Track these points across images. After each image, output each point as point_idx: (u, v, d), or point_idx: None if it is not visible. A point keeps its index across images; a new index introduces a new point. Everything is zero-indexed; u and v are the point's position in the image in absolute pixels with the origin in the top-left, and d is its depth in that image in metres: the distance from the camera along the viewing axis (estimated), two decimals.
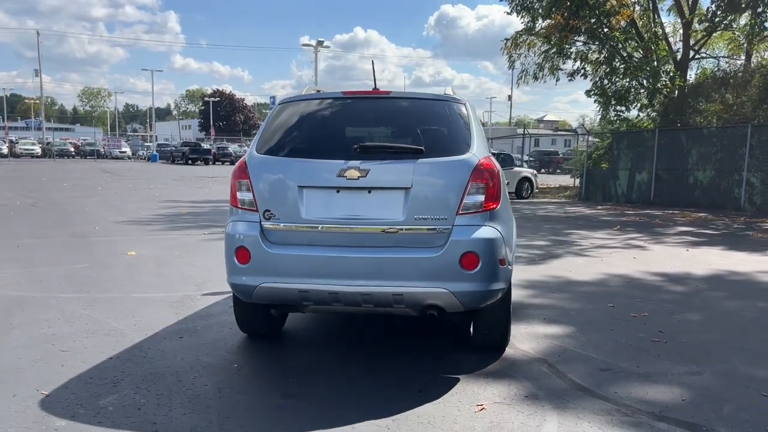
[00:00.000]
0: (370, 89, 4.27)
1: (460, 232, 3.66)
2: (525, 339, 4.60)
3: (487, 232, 3.71)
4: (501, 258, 3.78)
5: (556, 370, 3.98)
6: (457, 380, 3.77)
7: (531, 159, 46.29)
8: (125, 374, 3.78)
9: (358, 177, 3.68)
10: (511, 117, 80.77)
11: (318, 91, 4.41)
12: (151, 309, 5.30)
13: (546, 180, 29.42)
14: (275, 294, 3.80)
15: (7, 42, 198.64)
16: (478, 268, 3.66)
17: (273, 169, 3.87)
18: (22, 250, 8.20)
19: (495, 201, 3.79)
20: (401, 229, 3.69)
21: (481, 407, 3.39)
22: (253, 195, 3.86)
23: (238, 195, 3.92)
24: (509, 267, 3.96)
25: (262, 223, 3.83)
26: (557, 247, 9.38)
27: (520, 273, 7.02)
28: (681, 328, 4.99)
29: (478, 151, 3.83)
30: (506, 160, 6.50)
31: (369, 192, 3.74)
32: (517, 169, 21.58)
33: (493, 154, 6.28)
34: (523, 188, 21.17)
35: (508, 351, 4.32)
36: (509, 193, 19.33)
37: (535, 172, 22.96)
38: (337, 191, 3.76)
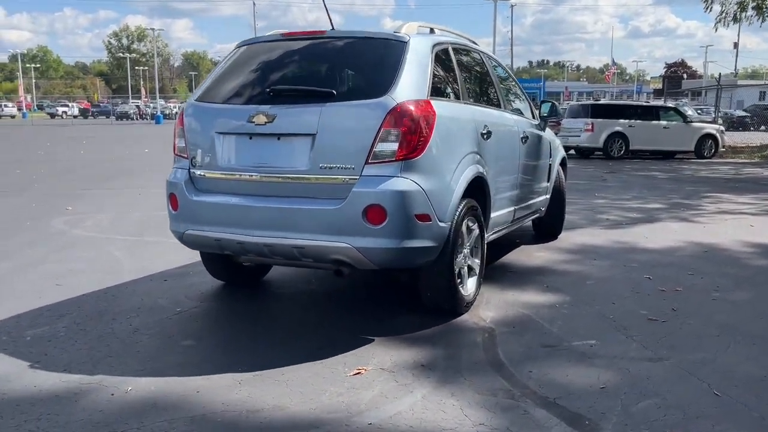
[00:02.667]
0: (317, 29, 4.03)
1: (366, 183, 3.37)
2: (496, 306, 4.15)
3: (398, 183, 3.37)
4: (419, 213, 3.42)
5: (492, 342, 3.54)
6: (370, 341, 3.52)
7: (747, 114, 40.94)
8: (79, 310, 4.06)
9: (265, 122, 3.53)
10: (736, 67, 71.72)
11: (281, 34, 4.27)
12: (174, 253, 5.53)
13: (759, 138, 25.85)
14: (198, 241, 3.82)
15: None
16: (385, 223, 3.34)
17: (199, 116, 3.85)
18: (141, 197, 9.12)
19: (416, 150, 3.42)
20: (305, 179, 3.49)
21: (359, 371, 3.13)
22: (185, 142, 3.88)
23: (176, 142, 3.97)
24: (440, 224, 3.57)
25: (191, 170, 3.85)
26: (666, 211, 8.26)
27: (583, 236, 6.35)
28: (704, 308, 4.15)
29: (401, 94, 3.46)
30: (552, 109, 5.78)
31: (278, 139, 3.57)
32: (696, 124, 19.25)
33: (543, 102, 5.70)
34: (704, 146, 18.84)
35: (464, 317, 3.93)
36: (685, 151, 17.15)
37: (721, 128, 20.24)
38: (250, 138, 3.64)
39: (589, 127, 17.86)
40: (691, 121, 19.07)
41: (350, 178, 3.40)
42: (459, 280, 3.91)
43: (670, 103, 22.00)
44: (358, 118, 3.43)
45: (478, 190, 4.16)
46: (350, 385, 2.99)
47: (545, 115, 5.82)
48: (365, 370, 3.15)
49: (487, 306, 4.15)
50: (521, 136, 5.04)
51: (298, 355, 3.32)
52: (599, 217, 7.79)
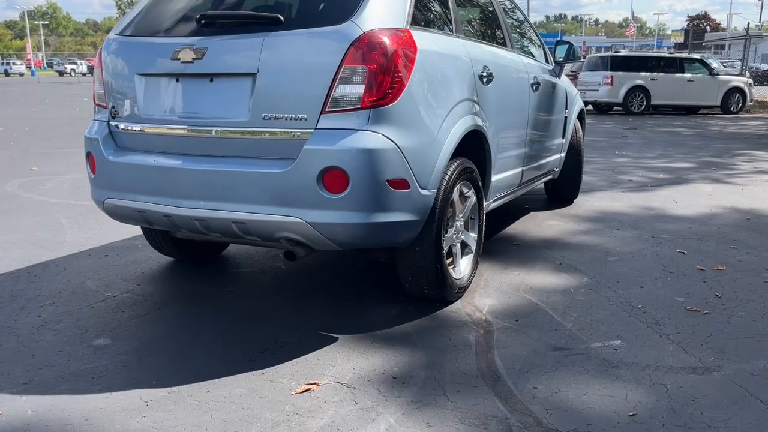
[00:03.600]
0: None
1: (322, 139, 2.55)
2: (496, 290, 3.36)
3: (365, 139, 2.55)
4: (393, 178, 2.61)
5: (488, 342, 2.76)
6: (332, 341, 2.76)
7: None
8: None
9: (194, 59, 2.71)
10: (760, 20, 69.15)
11: None
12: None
13: None
14: (120, 213, 3.05)
15: None
16: (347, 191, 2.54)
17: (120, 54, 3.02)
18: None
19: (389, 95, 2.59)
20: (244, 133, 2.68)
21: (309, 387, 2.37)
22: (104, 87, 3.08)
23: (95, 88, 3.16)
24: (423, 191, 2.75)
25: (110, 123, 3.05)
26: (696, 171, 7.37)
27: (602, 201, 5.50)
28: (756, 294, 3.34)
29: (370, 20, 2.61)
30: (569, 52, 4.87)
31: (211, 81, 2.75)
32: (723, 77, 18.06)
33: (558, 43, 4.79)
34: (731, 101, 17.71)
35: (455, 306, 3.15)
36: (710, 106, 16.13)
37: (749, 81, 19.02)
38: (176, 80, 2.82)
39: (608, 80, 16.78)
40: (717, 74, 17.89)
41: (302, 132, 2.58)
42: (449, 261, 3.13)
43: (695, 55, 20.70)
44: (312, 51, 2.60)
45: (474, 148, 3.34)
46: (293, 408, 2.24)
47: (561, 59, 4.93)
48: (318, 384, 2.39)
49: (486, 291, 3.36)
50: (531, 82, 4.17)
51: (237, 362, 2.57)
52: (621, 178, 6.92)
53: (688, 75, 17.19)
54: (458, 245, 3.23)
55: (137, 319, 3.01)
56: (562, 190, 5.43)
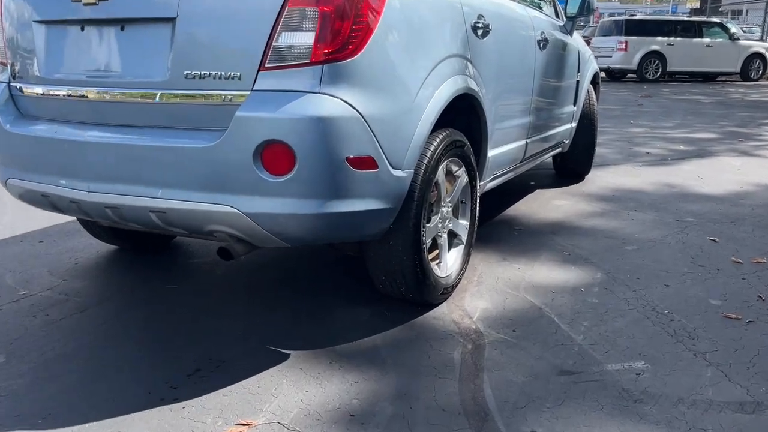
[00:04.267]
0: None
1: (259, 103, 1.96)
2: (491, 289, 2.78)
3: (317, 104, 1.95)
4: (355, 156, 2.02)
5: (476, 363, 2.20)
6: (281, 360, 2.20)
7: None
8: None
9: (99, 0, 2.09)
10: None
11: None
12: None
13: None
14: (26, 196, 2.48)
15: None
16: (294, 172, 1.94)
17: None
18: None
19: (349, 46, 1.98)
20: (163, 97, 2.07)
21: (242, 427, 1.81)
22: (4, 39, 2.47)
23: None
24: (395, 172, 2.16)
25: (11, 84, 2.45)
26: (720, 143, 6.71)
27: (617, 177, 4.89)
28: None
29: None
30: (583, 5, 4.19)
31: (122, 29, 2.14)
32: (743, 42, 17.19)
33: None
34: (752, 67, 16.88)
35: (440, 310, 2.59)
36: (729, 72, 15.32)
37: None
38: (81, 28, 2.21)
39: (623, 45, 15.97)
40: (738, 39, 16.99)
41: (234, 96, 1.99)
42: (433, 256, 2.56)
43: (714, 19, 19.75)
44: None
45: (466, 117, 2.73)
46: None
47: (574, 13, 4.26)
48: (250, 426, 1.83)
49: (478, 290, 2.77)
50: (538, 39, 3.52)
51: (156, 391, 2.02)
52: (637, 150, 6.28)
53: (706, 40, 16.34)
54: (444, 236, 2.64)
55: (48, 327, 2.45)
56: (572, 164, 4.81)
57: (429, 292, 2.49)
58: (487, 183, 3.12)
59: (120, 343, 2.33)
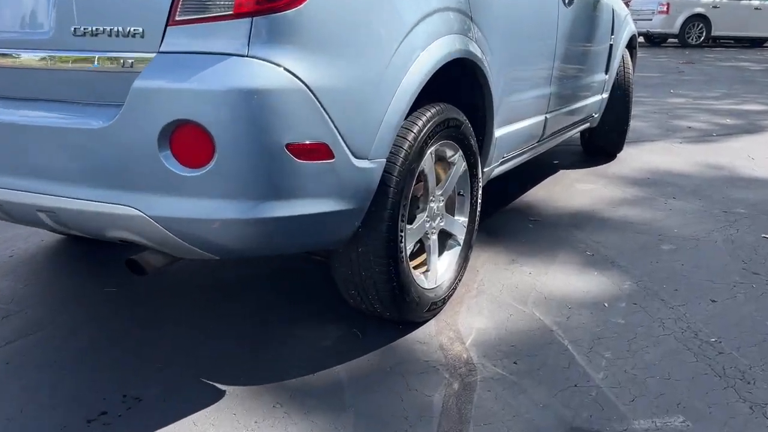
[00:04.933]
0: None
1: (165, 71, 1.45)
2: (492, 301, 2.27)
3: (244, 72, 1.44)
4: (299, 142, 1.50)
5: (461, 410, 1.71)
6: (216, 397, 1.72)
7: None
8: None
9: None
10: None
11: None
12: None
13: None
14: None
15: None
16: (213, 163, 1.43)
17: None
18: None
19: None
20: (46, 59, 1.57)
21: None
22: None
23: None
24: (358, 162, 1.63)
25: None
26: None
27: (654, 155, 4.30)
28: None
29: None
30: None
31: None
32: None
33: None
34: None
35: (427, 329, 2.09)
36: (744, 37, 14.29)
37: None
38: None
39: (664, 8, 14.96)
40: None
41: (136, 58, 1.47)
42: (417, 263, 2.07)
43: None
44: None
45: (466, 88, 2.19)
46: None
47: None
48: None
49: (477, 302, 2.25)
50: None
51: None
52: (677, 123, 5.62)
53: (755, 2, 15.23)
54: (434, 237, 2.12)
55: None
56: (602, 141, 4.21)
57: (409, 310, 1.98)
58: (494, 168, 2.57)
59: (19, 369, 1.87)
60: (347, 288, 1.97)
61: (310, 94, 1.50)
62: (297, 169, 1.52)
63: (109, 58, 1.51)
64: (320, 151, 1.56)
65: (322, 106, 1.53)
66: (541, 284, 2.40)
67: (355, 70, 1.61)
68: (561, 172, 4.01)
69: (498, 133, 2.45)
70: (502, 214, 3.17)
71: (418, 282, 2.01)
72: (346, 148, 1.61)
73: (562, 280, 2.43)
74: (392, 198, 1.79)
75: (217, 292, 2.38)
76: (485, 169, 2.46)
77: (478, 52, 2.12)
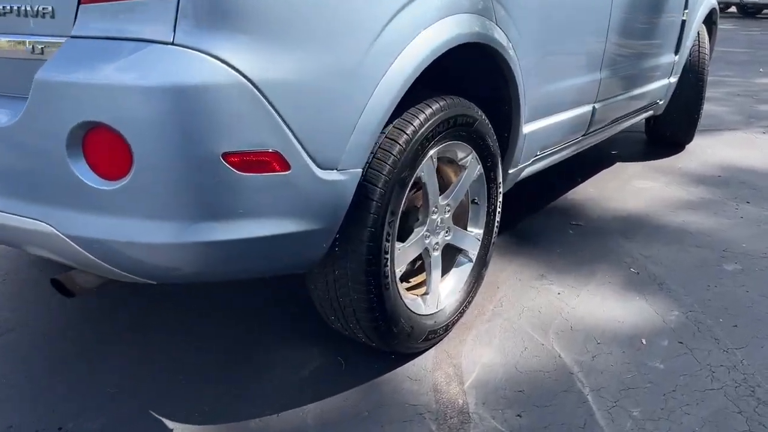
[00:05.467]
0: None
1: (74, 60, 1.17)
2: (508, 330, 1.94)
3: (167, 63, 1.14)
4: (242, 151, 1.21)
5: None
6: None
7: None
8: None
9: None
10: None
11: None
12: None
13: None
14: None
15: None
16: (132, 175, 1.16)
17: None
18: None
19: None
20: None
21: None
22: None
23: None
24: (326, 175, 1.33)
25: None
26: None
27: (731, 149, 3.82)
28: None
29: None
30: None
31: None
32: None
33: None
34: None
35: (420, 363, 1.79)
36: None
37: None
38: None
39: None
40: None
41: (46, 43, 1.20)
42: (413, 284, 1.77)
43: None
44: None
45: (483, 76, 1.84)
46: None
47: None
48: None
49: (489, 327, 1.93)
50: None
51: None
52: (763, 110, 4.98)
53: None
54: (436, 255, 1.80)
55: None
56: (668, 130, 3.73)
57: (398, 341, 1.68)
58: (523, 168, 2.21)
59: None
60: (326, 313, 1.68)
61: (255, 92, 1.20)
62: (239, 184, 1.23)
63: (19, 42, 1.24)
64: (270, 162, 1.26)
65: (271, 105, 1.22)
66: (570, 309, 2.04)
67: (318, 59, 1.29)
68: (618, 164, 3.57)
69: (527, 128, 2.09)
70: (541, 216, 2.80)
71: (411, 308, 1.71)
72: (306, 157, 1.30)
73: (595, 305, 2.07)
74: (374, 214, 1.48)
75: (204, 300, 2.14)
76: (511, 171, 2.10)
77: (498, 36, 1.75)
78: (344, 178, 1.38)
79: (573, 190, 3.12)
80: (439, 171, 1.79)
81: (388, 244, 1.54)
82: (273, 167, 1.26)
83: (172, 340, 1.88)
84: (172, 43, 1.15)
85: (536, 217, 2.77)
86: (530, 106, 2.05)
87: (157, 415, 1.57)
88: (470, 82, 1.91)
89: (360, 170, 1.41)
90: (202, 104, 1.15)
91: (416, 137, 1.54)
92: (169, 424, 1.54)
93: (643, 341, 1.87)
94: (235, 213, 1.26)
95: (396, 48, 1.42)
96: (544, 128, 2.21)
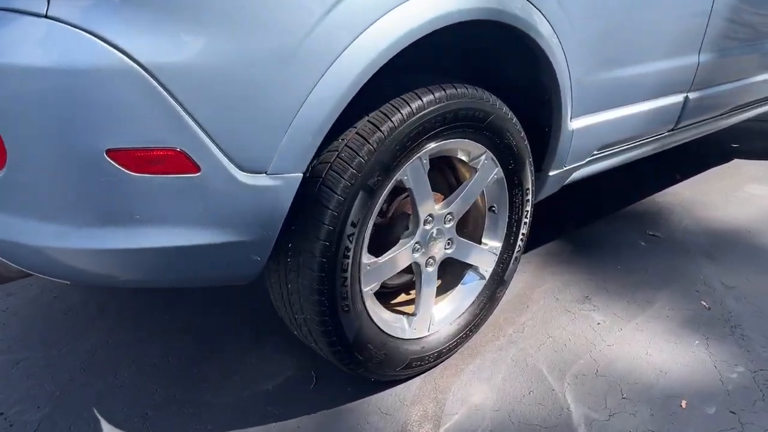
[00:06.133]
0: None
1: None
2: (519, 365, 1.65)
3: (37, 42, 0.97)
4: (131, 148, 1.02)
5: None
6: None
7: None
8: None
9: None
10: None
11: None
12: None
13: None
14: None
15: None
16: (5, 170, 1.03)
17: None
18: None
19: None
20: None
21: None
22: None
23: None
24: (253, 180, 1.12)
25: None
26: None
27: None
28: None
29: None
30: None
31: None
32: None
33: None
34: None
35: (399, 395, 1.56)
36: None
37: None
38: None
39: None
40: None
41: None
42: (406, 299, 1.51)
43: None
44: None
45: (512, 58, 1.52)
46: None
47: None
48: None
49: (497, 359, 1.65)
50: None
51: None
52: None
53: None
54: (429, 270, 1.53)
55: None
56: None
57: (365, 369, 1.46)
58: (574, 170, 1.85)
59: None
60: (288, 325, 1.47)
61: (148, 79, 0.98)
62: (133, 185, 1.04)
63: None
64: (171, 161, 1.05)
65: (171, 96, 1.01)
66: (604, 346, 1.69)
67: (237, 40, 1.04)
68: (734, 161, 3.01)
69: (577, 123, 1.72)
70: (611, 219, 2.39)
71: (388, 332, 1.46)
72: (221, 158, 1.08)
73: (638, 345, 1.70)
74: (329, 225, 1.24)
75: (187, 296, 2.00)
76: (553, 173, 1.75)
77: (522, 11, 1.40)
78: (276, 183, 1.14)
79: (665, 190, 2.65)
80: (453, 171, 1.51)
81: (347, 261, 1.30)
82: (176, 167, 1.05)
83: (145, 338, 1.76)
84: (45, 16, 0.95)
85: (605, 221, 2.37)
86: (581, 96, 1.68)
87: (97, 413, 1.46)
88: (507, 67, 1.59)
89: (300, 175, 1.16)
90: (78, 91, 0.96)
91: (395, 135, 1.26)
92: (106, 423, 1.42)
93: (683, 404, 1.50)
94: (132, 219, 1.06)
95: (355, 23, 1.14)
96: (604, 123, 1.82)
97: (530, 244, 2.20)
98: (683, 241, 2.25)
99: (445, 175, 1.61)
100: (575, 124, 1.71)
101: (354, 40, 1.13)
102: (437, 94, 1.32)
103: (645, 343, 1.70)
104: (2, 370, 1.59)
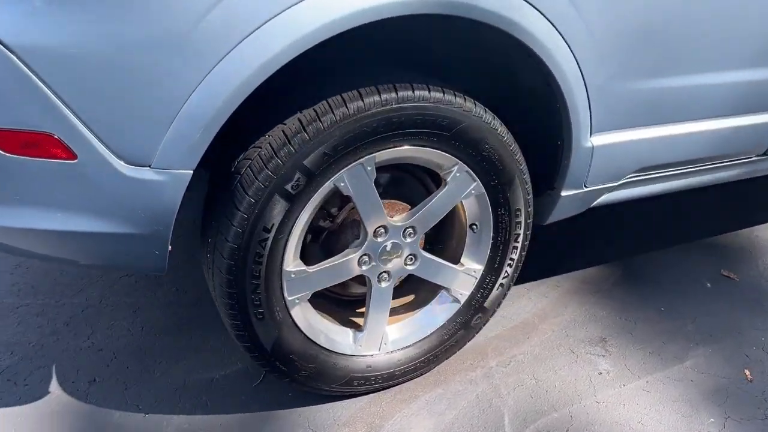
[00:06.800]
0: None
1: None
2: (472, 410, 1.47)
3: None
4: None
5: None
6: None
7: None
8: None
9: None
10: None
11: None
12: None
13: None
14: None
15: None
16: None
17: None
18: None
19: None
20: None
21: None
22: None
23: None
24: (138, 174, 1.08)
25: None
26: None
27: None
28: None
29: None
30: None
31: None
32: None
33: None
34: None
35: (327, 413, 1.47)
36: None
37: None
38: None
39: None
40: None
41: None
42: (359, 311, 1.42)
43: None
44: None
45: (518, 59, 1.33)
46: None
47: None
48: None
49: (458, 392, 1.50)
50: None
51: None
52: None
53: None
54: (382, 286, 1.41)
55: None
56: None
57: (291, 380, 1.37)
58: (602, 192, 1.58)
59: None
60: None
61: (11, 58, 0.95)
62: (7, 165, 1.03)
63: None
64: (44, 146, 1.02)
65: (39, 78, 0.97)
66: (591, 403, 1.45)
67: (118, 21, 0.98)
68: None
69: (600, 140, 1.45)
70: (684, 251, 2.05)
71: (322, 344, 1.36)
72: (100, 147, 1.03)
73: (634, 410, 1.44)
74: (238, 227, 1.16)
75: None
76: (566, 193, 1.51)
77: (496, 3, 1.18)
78: (161, 178, 1.07)
79: (760, 226, 2.22)
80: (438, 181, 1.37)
81: (260, 267, 1.21)
82: (50, 153, 1.02)
83: (146, 300, 1.80)
84: None
85: (675, 249, 2.03)
86: (604, 108, 1.41)
87: (54, 371, 1.52)
88: (522, 75, 1.39)
89: (190, 171, 1.08)
90: None
91: (322, 137, 1.14)
92: (55, 383, 1.47)
93: None
94: (12, 198, 1.06)
95: (256, 11, 1.02)
96: (645, 141, 1.53)
97: (566, 266, 1.94)
98: (761, 290, 1.87)
99: (426, 185, 1.44)
100: (597, 140, 1.44)
101: (252, 32, 1.01)
102: (385, 96, 1.16)
103: (644, 409, 1.44)
104: (2, 314, 1.70)
